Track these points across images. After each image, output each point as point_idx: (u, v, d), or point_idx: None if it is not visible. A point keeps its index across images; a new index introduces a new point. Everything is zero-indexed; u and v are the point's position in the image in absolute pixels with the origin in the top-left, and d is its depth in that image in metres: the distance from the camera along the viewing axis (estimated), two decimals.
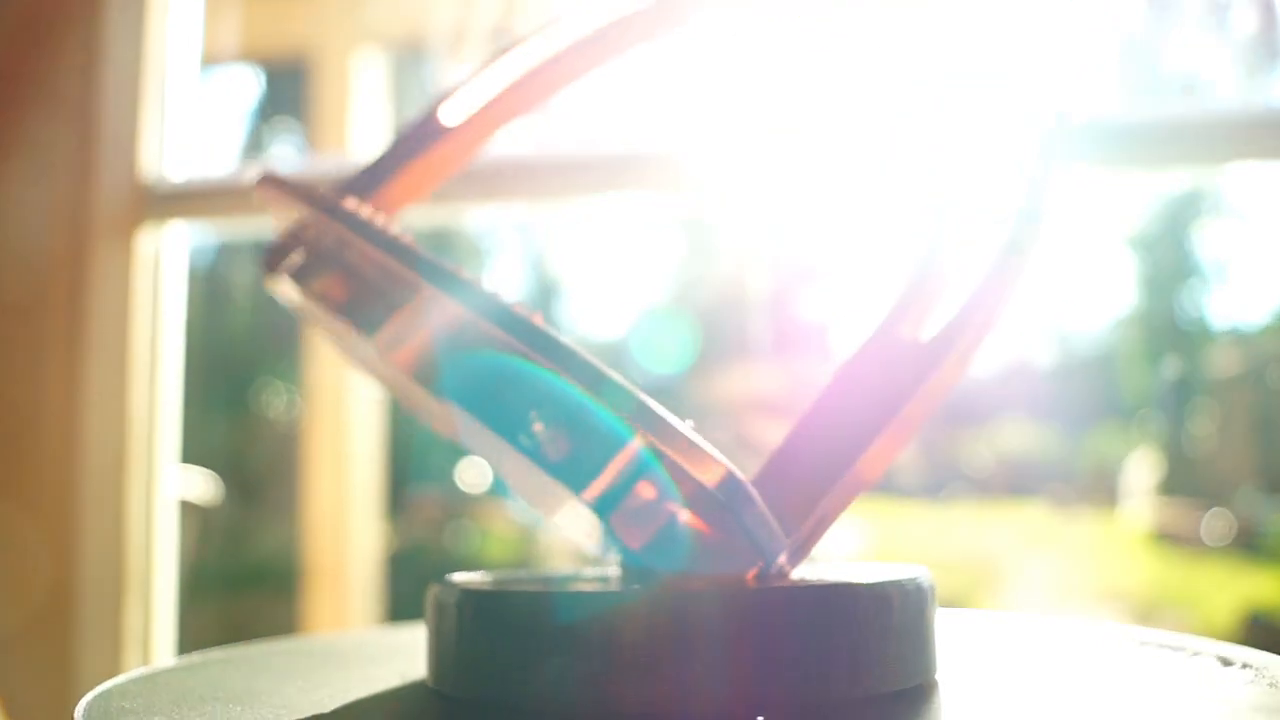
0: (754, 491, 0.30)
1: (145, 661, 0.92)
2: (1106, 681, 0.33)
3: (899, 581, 0.32)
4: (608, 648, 0.30)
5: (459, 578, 0.35)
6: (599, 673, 0.30)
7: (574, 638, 0.31)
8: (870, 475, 0.35)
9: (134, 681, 0.36)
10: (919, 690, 0.32)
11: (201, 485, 1.75)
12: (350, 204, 0.33)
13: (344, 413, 1.68)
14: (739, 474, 0.30)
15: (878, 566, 0.36)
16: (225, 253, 2.73)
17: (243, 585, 2.43)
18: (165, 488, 0.97)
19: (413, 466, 2.55)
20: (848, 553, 2.37)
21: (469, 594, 0.33)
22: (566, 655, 0.31)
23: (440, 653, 0.34)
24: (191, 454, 1.03)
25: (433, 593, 0.34)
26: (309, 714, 0.31)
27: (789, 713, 0.30)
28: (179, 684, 0.36)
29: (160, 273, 0.98)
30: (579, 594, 0.33)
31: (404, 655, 0.40)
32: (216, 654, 0.41)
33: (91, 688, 0.37)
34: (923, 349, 0.34)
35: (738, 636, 0.30)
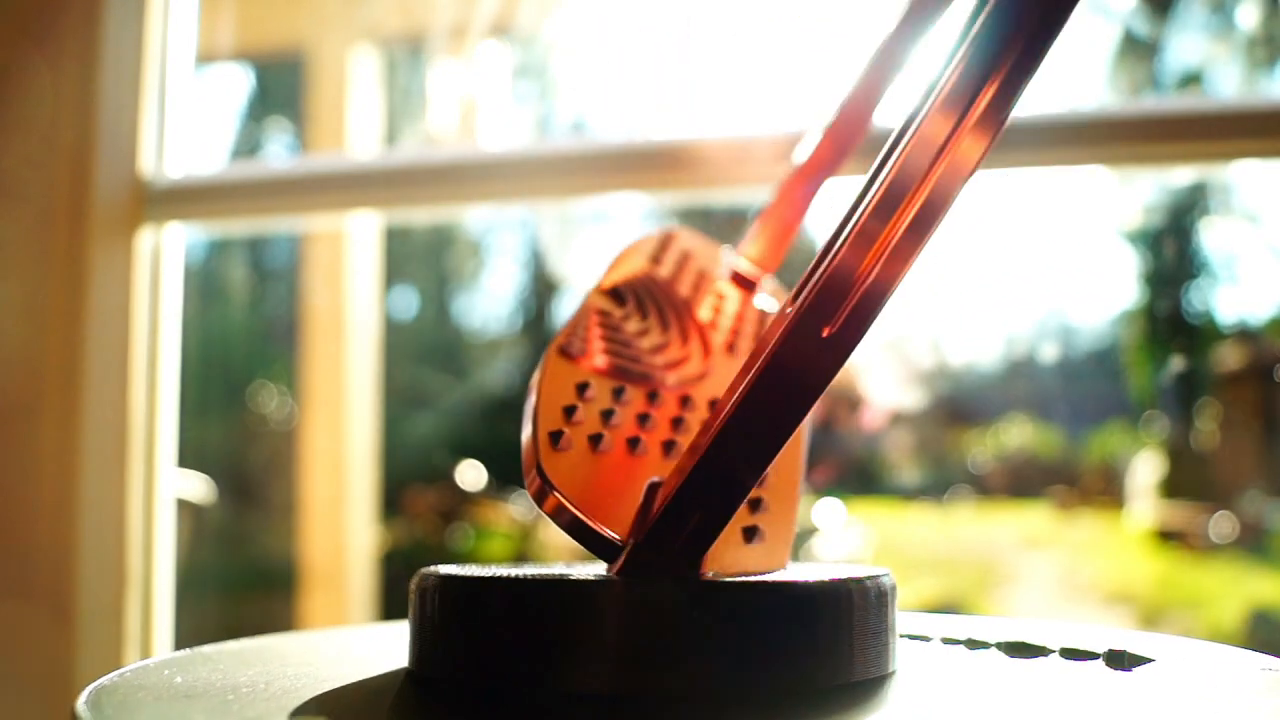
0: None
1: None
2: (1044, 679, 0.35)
3: (858, 580, 0.35)
4: (561, 632, 0.33)
5: (440, 569, 0.38)
6: (554, 655, 0.33)
7: (528, 622, 0.33)
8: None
9: (133, 673, 0.38)
10: (875, 681, 0.35)
11: (196, 485, 1.74)
12: None
13: (340, 412, 1.67)
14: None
15: (845, 567, 0.39)
16: (218, 250, 2.72)
17: (239, 585, 2.42)
18: (164, 487, 0.97)
19: (411, 466, 2.54)
20: (848, 553, 2.35)
21: (442, 580, 0.36)
22: (523, 639, 0.33)
23: (418, 637, 0.37)
24: (186, 454, 1.03)
25: (414, 582, 0.37)
26: (299, 698, 0.34)
27: (744, 698, 0.32)
28: (174, 677, 0.37)
29: (159, 271, 0.98)
30: (537, 582, 0.34)
31: (395, 647, 0.42)
32: (210, 648, 0.43)
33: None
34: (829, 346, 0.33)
35: (685, 627, 0.32)
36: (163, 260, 0.98)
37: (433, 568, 0.38)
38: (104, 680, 0.36)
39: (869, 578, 0.35)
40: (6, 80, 0.95)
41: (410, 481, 2.52)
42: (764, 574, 0.35)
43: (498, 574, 0.35)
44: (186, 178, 0.98)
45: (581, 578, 0.34)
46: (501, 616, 0.34)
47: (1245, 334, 3.33)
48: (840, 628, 0.34)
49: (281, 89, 2.91)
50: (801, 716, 0.31)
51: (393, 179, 0.95)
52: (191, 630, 1.00)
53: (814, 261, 0.37)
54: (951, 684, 0.35)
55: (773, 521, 0.38)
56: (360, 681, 0.37)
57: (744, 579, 0.34)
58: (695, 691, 0.32)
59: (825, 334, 0.32)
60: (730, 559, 0.36)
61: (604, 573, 0.35)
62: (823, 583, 0.34)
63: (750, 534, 0.37)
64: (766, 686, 0.32)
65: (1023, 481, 3.67)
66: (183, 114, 1.01)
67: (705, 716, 0.31)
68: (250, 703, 0.33)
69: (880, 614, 0.35)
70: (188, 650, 0.42)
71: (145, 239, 0.96)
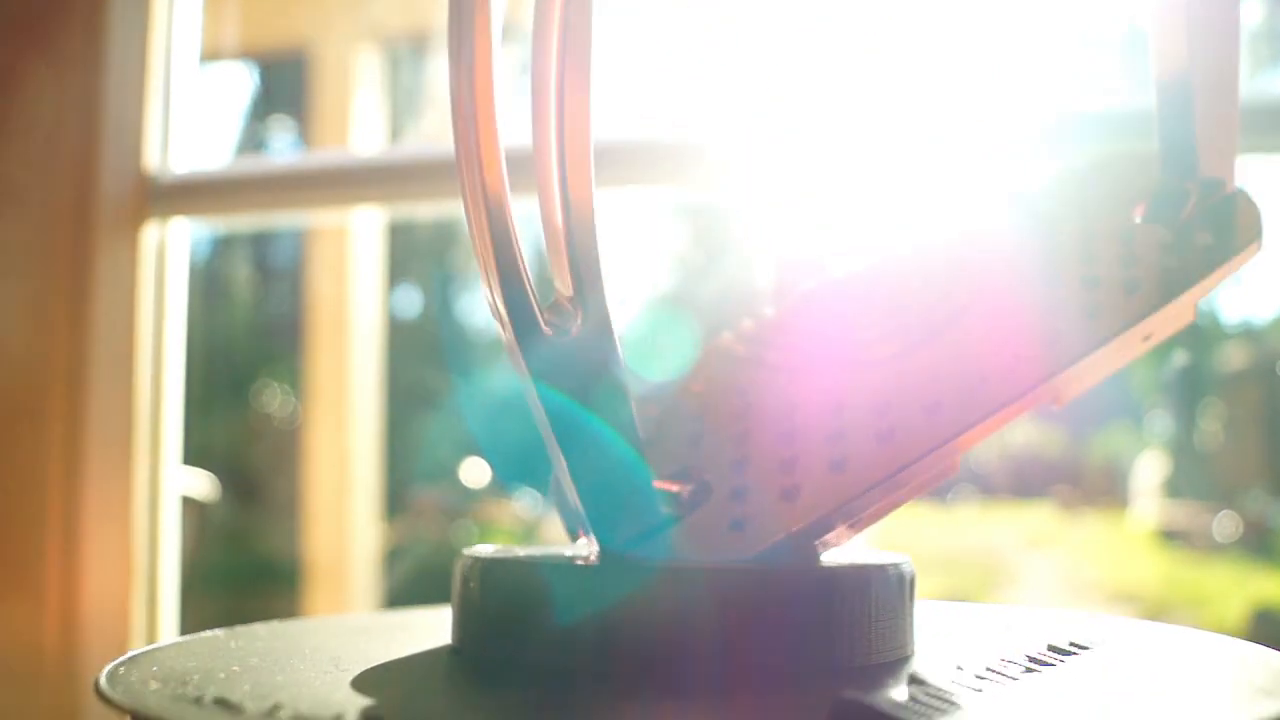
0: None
1: None
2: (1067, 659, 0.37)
3: (881, 566, 0.37)
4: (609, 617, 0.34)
5: (482, 549, 0.40)
6: (596, 637, 0.34)
7: (577, 602, 0.35)
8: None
9: (159, 651, 0.38)
10: (894, 663, 0.37)
11: (200, 482, 1.74)
12: None
13: (343, 410, 1.67)
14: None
15: (871, 553, 0.41)
16: (222, 246, 2.72)
17: (243, 583, 2.42)
18: (170, 483, 0.98)
19: (415, 464, 2.54)
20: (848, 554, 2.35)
21: (489, 562, 0.37)
22: (573, 618, 0.35)
23: (463, 615, 0.39)
24: (190, 452, 1.03)
25: (459, 562, 0.39)
26: (348, 669, 0.35)
27: (779, 679, 0.34)
28: (203, 654, 0.38)
29: (165, 267, 0.98)
30: (577, 566, 0.36)
31: (425, 629, 0.44)
32: (241, 628, 0.44)
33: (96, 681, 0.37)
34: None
35: (723, 612, 0.34)
36: (168, 256, 0.98)
37: (476, 548, 0.40)
38: (125, 657, 0.37)
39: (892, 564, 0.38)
40: (11, 78, 0.95)
41: (414, 479, 2.52)
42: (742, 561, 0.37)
43: (546, 556, 0.38)
44: (192, 173, 0.98)
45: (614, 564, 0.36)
46: (544, 599, 0.36)
47: (1249, 333, 3.33)
48: (863, 609, 0.37)
49: (284, 87, 2.91)
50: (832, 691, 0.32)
51: (399, 174, 0.95)
52: (196, 628, 1.00)
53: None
54: (971, 668, 0.36)
55: (755, 515, 0.38)
56: (409, 656, 0.39)
57: (785, 567, 0.36)
58: (731, 672, 0.34)
59: None
60: (715, 546, 0.38)
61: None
62: (852, 567, 0.37)
63: (736, 525, 0.38)
64: (800, 667, 0.35)
65: (1026, 481, 3.67)
66: (187, 110, 1.01)
67: (742, 695, 0.32)
68: (300, 672, 0.34)
69: (900, 598, 0.38)
70: (218, 630, 0.43)
71: (151, 234, 0.96)
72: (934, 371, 0.39)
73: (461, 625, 0.39)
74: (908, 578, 0.39)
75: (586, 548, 0.42)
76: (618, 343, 0.37)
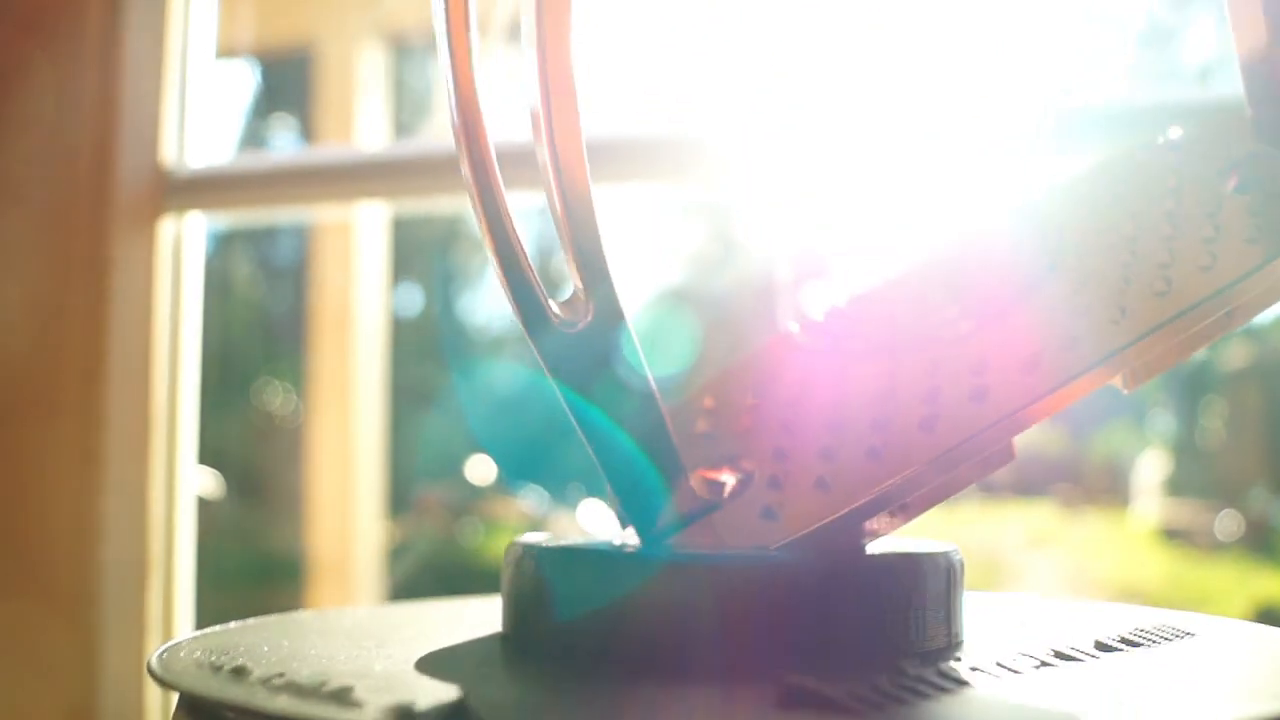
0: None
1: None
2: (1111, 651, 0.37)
3: (934, 555, 0.37)
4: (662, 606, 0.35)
5: (531, 537, 0.40)
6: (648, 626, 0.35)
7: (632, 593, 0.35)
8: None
9: (209, 636, 0.39)
10: (946, 649, 0.37)
11: (205, 480, 1.73)
12: None
13: (347, 408, 1.67)
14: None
15: (919, 542, 0.40)
16: (225, 243, 2.72)
17: (248, 580, 2.42)
18: (185, 479, 0.98)
19: (419, 461, 2.54)
20: None
21: (544, 551, 0.38)
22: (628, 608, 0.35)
23: (516, 603, 0.39)
24: (196, 450, 1.03)
25: (512, 551, 0.39)
26: (406, 655, 0.35)
27: (838, 665, 0.34)
28: (254, 639, 0.38)
29: (181, 261, 0.98)
30: (628, 556, 0.37)
31: (461, 620, 0.44)
32: (275, 617, 0.44)
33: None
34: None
35: (775, 602, 0.35)
36: (184, 250, 0.98)
37: (526, 537, 0.40)
38: (174, 641, 0.37)
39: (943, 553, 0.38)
40: (28, 73, 0.95)
41: (418, 476, 2.52)
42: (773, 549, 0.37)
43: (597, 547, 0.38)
44: (209, 168, 0.98)
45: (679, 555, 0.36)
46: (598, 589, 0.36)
47: (1251, 332, 3.34)
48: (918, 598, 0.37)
49: (288, 85, 2.91)
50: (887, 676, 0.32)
51: (416, 169, 0.95)
52: (207, 625, 1.00)
53: None
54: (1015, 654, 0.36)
55: (789, 503, 0.38)
56: (464, 643, 0.39)
57: (835, 557, 0.36)
58: (784, 659, 0.34)
59: None
60: (746, 534, 0.38)
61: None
62: (908, 555, 0.37)
63: (768, 513, 0.38)
64: (854, 656, 0.35)
65: (1028, 479, 3.67)
66: (202, 104, 1.01)
67: (793, 683, 0.32)
68: (358, 659, 0.34)
69: (943, 587, 0.38)
70: (262, 618, 0.44)
71: (167, 229, 0.96)
72: (981, 356, 0.39)
73: (512, 613, 0.39)
74: (955, 567, 0.38)
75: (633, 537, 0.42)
76: (631, 333, 0.37)
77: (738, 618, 0.34)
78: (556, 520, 2.16)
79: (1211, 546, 3.12)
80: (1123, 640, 0.37)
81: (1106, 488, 3.64)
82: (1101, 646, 0.37)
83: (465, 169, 0.35)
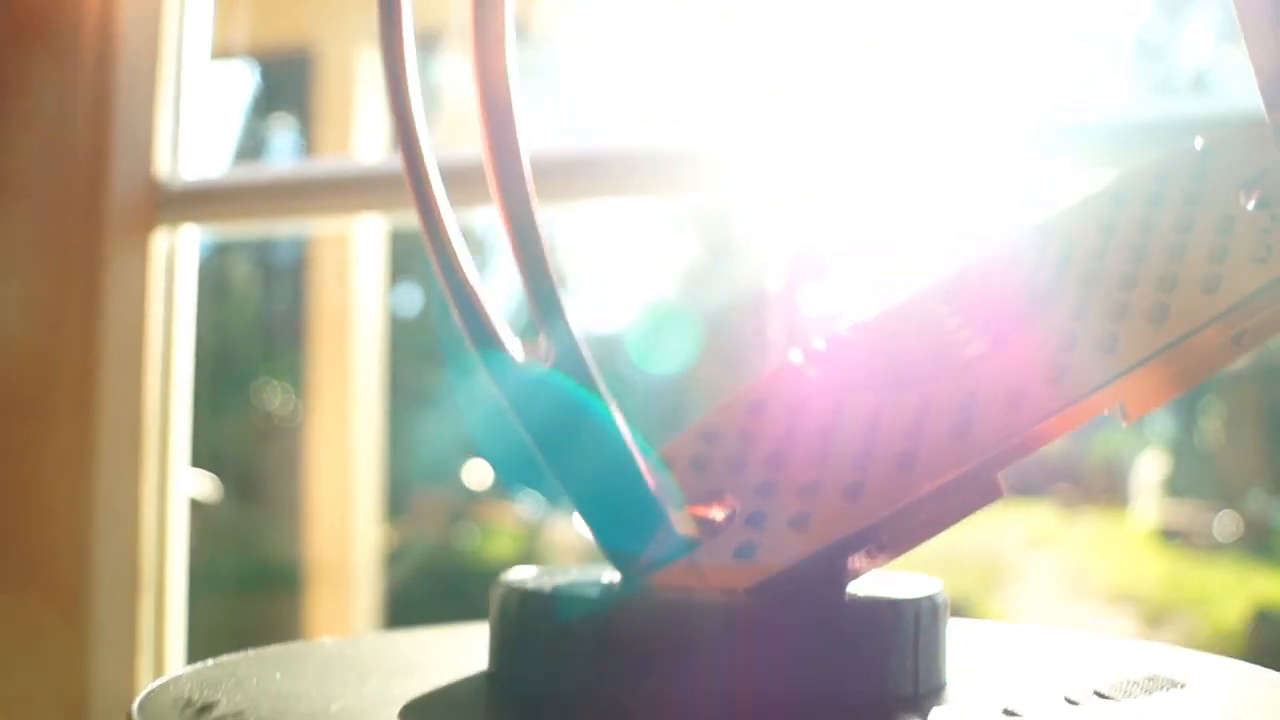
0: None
1: (158, 661, 0.93)
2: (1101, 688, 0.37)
3: (915, 599, 0.37)
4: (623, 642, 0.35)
5: (516, 575, 0.40)
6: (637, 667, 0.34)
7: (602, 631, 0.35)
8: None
9: (186, 677, 0.38)
10: (928, 693, 0.36)
11: (202, 483, 1.73)
12: None
13: (345, 411, 1.67)
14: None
15: (902, 579, 0.41)
16: (223, 249, 2.71)
17: (245, 584, 2.42)
18: (179, 486, 0.98)
19: (417, 465, 2.54)
20: None
21: (525, 592, 0.37)
22: (598, 646, 0.35)
23: (501, 641, 0.39)
24: (191, 452, 1.03)
25: (497, 590, 0.39)
26: (390, 694, 0.35)
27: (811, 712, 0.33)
28: (235, 678, 0.37)
29: (174, 274, 0.98)
30: (600, 592, 0.37)
31: (461, 652, 0.43)
32: (257, 651, 0.43)
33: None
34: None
35: (746, 640, 0.34)
36: (178, 263, 0.98)
37: (511, 574, 0.40)
38: (158, 683, 0.37)
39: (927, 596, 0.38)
40: (22, 82, 0.95)
41: (415, 480, 2.52)
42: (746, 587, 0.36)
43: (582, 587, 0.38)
44: (203, 180, 0.98)
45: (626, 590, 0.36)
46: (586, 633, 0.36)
47: None
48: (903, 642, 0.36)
49: (287, 87, 2.91)
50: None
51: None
52: (200, 630, 1.00)
53: None
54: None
55: (764, 542, 0.38)
56: (447, 686, 0.38)
57: (816, 598, 0.36)
58: (770, 700, 0.33)
59: None
60: (724, 572, 0.37)
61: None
62: (890, 600, 0.36)
63: (744, 550, 0.37)
64: (839, 698, 0.34)
65: (1026, 479, 3.66)
66: (195, 114, 1.00)
67: None
68: (343, 698, 0.34)
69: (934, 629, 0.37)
70: (244, 653, 0.43)
71: (160, 241, 0.96)
72: (970, 389, 0.38)
73: (498, 652, 0.39)
74: (933, 609, 0.38)
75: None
76: (593, 372, 0.36)
77: (705, 660, 0.34)
78: (554, 526, 2.16)
79: (1210, 547, 3.12)
80: (1111, 690, 0.37)
81: (1105, 488, 3.64)
82: (1099, 695, 0.36)
83: (417, 214, 0.35)
